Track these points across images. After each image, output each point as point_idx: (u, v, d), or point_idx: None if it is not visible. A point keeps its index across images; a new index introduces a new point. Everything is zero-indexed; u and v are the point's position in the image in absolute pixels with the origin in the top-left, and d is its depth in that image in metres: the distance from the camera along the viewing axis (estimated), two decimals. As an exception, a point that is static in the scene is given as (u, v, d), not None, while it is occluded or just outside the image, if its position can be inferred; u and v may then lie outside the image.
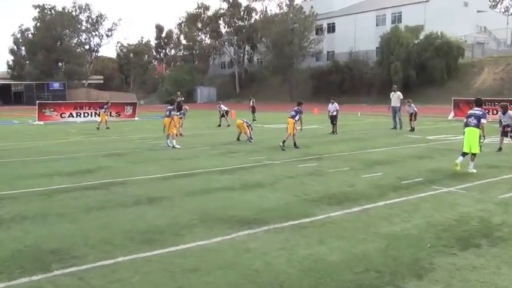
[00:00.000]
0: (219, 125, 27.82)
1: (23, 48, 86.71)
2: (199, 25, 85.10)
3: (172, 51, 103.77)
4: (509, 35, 63.48)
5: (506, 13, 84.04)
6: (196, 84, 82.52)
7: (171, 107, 18.20)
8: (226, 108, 28.53)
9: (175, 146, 17.18)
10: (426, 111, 34.71)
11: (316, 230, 6.95)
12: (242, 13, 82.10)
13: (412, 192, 9.32)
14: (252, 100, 34.03)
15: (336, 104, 22.47)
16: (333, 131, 21.93)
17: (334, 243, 6.37)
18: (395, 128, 23.75)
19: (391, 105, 24.31)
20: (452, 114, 31.42)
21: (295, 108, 16.95)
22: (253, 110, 33.11)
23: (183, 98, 37.74)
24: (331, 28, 75.80)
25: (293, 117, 16.64)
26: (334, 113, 22.04)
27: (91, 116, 34.94)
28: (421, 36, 57.33)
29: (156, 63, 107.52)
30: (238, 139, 19.16)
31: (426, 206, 8.27)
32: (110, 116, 32.60)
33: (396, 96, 24.26)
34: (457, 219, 7.47)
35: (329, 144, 17.75)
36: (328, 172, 11.74)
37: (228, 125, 26.94)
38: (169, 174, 11.71)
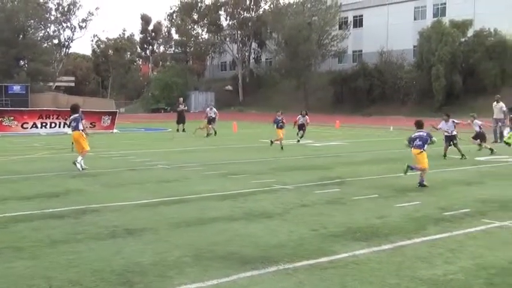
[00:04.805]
0: (207, 135, 29.59)
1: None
2: (195, 16, 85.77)
3: (161, 48, 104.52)
4: None
5: None
6: (190, 89, 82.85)
7: (76, 116, 16.77)
8: (215, 112, 30.73)
9: (83, 167, 16.30)
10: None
11: (337, 272, 6.91)
12: (248, 2, 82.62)
13: (457, 227, 9.26)
14: (303, 115, 29.36)
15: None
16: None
17: (359, 290, 6.31)
18: (496, 142, 25.06)
19: (494, 117, 26.43)
20: (508, 129, 31.38)
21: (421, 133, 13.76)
22: (302, 127, 28.26)
23: (185, 107, 38.36)
24: (358, 22, 76.24)
25: (420, 146, 13.59)
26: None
27: (59, 126, 34.98)
28: (470, 34, 57.44)
29: (140, 63, 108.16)
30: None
31: (475, 244, 8.22)
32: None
33: (499, 107, 26.63)
34: (514, 261, 7.41)
35: (353, 166, 17.73)
36: (353, 200, 11.71)
37: (207, 135, 29.21)
38: (154, 201, 11.69)
